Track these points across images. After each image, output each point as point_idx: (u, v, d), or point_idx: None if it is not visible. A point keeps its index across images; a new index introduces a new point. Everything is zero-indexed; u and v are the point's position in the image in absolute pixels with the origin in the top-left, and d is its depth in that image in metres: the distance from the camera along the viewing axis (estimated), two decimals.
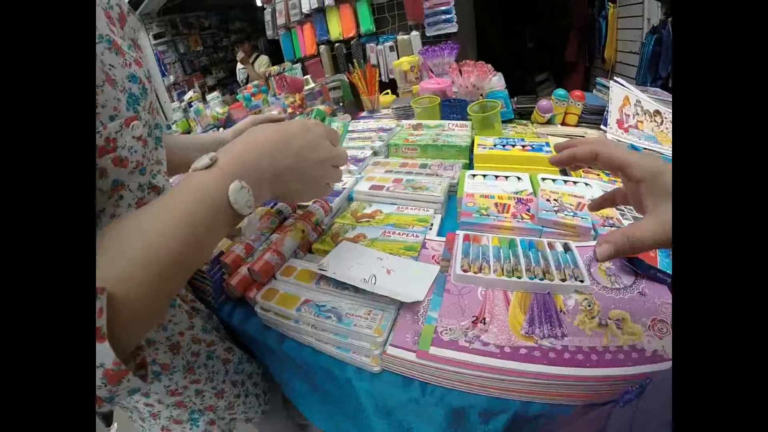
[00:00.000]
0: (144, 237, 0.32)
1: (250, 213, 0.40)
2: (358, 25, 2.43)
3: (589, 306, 0.50)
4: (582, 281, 0.52)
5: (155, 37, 4.90)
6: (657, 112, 1.00)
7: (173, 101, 4.06)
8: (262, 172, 0.41)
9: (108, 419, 0.59)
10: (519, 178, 0.77)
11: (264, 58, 3.56)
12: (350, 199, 0.83)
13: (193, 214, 0.35)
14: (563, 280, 0.52)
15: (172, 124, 2.36)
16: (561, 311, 0.50)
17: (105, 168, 0.37)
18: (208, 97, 2.26)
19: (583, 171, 0.81)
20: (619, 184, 0.77)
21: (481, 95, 1.17)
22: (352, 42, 2.50)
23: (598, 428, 0.34)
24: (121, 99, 0.37)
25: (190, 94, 2.60)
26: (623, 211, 0.66)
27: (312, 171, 0.47)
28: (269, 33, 2.97)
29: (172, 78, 5.07)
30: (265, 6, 2.87)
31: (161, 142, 0.50)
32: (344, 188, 0.83)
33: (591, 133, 1.04)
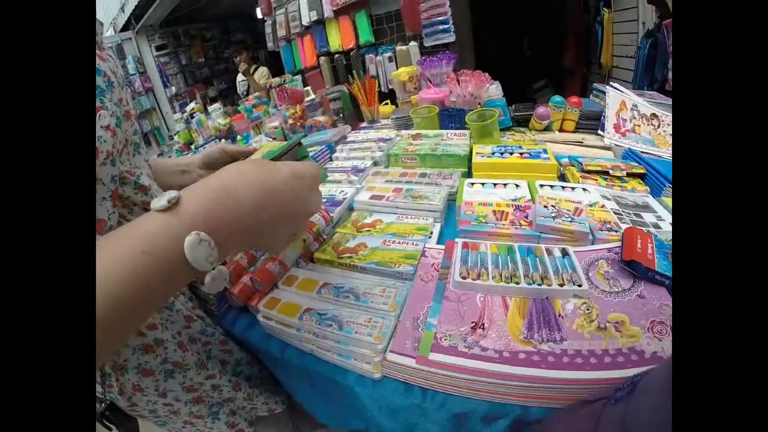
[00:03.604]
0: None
1: (212, 269, 0.34)
2: (357, 37, 2.46)
3: (588, 310, 0.50)
4: (580, 285, 0.52)
5: (157, 48, 4.97)
6: (654, 115, 1.01)
7: (175, 112, 4.10)
8: (233, 226, 0.35)
9: None
10: (517, 185, 0.78)
11: (264, 69, 3.59)
12: (351, 209, 0.85)
13: (137, 265, 0.29)
14: (561, 285, 0.53)
15: (174, 135, 2.38)
16: (560, 316, 0.50)
17: None
18: (210, 108, 2.29)
19: (581, 176, 0.82)
20: (615, 185, 0.78)
21: (479, 104, 1.18)
22: (351, 53, 2.53)
23: (591, 426, 0.34)
24: None
25: (192, 105, 2.64)
26: (621, 215, 0.66)
27: (289, 226, 0.41)
28: (270, 45, 3.01)
29: (174, 89, 5.13)
30: (265, 18, 2.91)
31: (140, 149, 0.51)
32: (345, 198, 0.84)
33: (589, 139, 1.05)
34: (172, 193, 0.32)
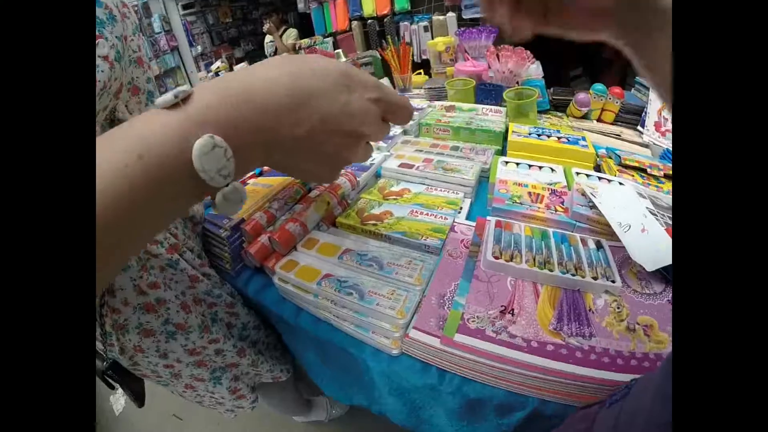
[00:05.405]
0: None
1: (227, 186, 0.27)
2: (392, 3, 2.37)
3: (618, 308, 0.48)
4: (613, 281, 0.49)
5: (184, 7, 4.87)
6: None
7: (200, 71, 4.06)
8: (255, 132, 0.27)
9: (140, 399, 0.58)
10: (553, 170, 0.74)
11: (292, 31, 3.51)
12: (378, 175, 0.81)
13: (132, 173, 0.22)
14: (595, 278, 0.50)
15: None
16: (590, 310, 0.48)
17: None
18: (236, 68, 2.25)
19: (618, 170, 0.78)
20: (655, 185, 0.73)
21: (517, 82, 1.13)
22: (385, 20, 2.43)
23: (584, 428, 0.34)
24: None
25: (217, 64, 2.60)
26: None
27: (335, 147, 0.31)
28: (300, 6, 2.91)
29: (200, 48, 5.06)
30: None
31: (154, 98, 0.50)
32: (372, 164, 0.81)
33: (627, 133, 1.00)
34: (182, 87, 0.25)
